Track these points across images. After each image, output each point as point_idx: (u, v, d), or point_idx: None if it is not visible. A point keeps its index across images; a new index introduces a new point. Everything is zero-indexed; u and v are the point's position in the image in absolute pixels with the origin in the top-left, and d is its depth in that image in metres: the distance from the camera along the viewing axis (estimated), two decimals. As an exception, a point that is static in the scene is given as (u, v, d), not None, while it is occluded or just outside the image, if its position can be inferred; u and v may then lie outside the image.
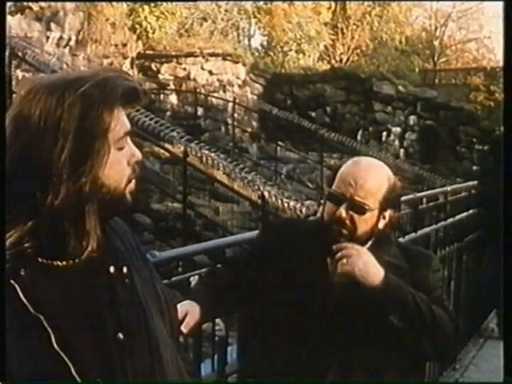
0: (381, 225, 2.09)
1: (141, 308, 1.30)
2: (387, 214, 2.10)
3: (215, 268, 2.53)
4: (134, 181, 1.30)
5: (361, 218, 2.02)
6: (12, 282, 1.16)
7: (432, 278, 2.15)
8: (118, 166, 1.25)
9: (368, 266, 1.98)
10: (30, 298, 1.16)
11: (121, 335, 1.24)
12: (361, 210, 2.02)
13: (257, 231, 2.61)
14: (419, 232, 4.74)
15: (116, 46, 15.29)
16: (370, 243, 2.11)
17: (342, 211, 2.01)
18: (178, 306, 1.60)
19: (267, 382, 2.16)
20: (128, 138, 1.28)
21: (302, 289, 2.06)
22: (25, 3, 13.01)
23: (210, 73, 17.37)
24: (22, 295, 1.16)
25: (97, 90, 1.22)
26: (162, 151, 11.65)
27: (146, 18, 16.51)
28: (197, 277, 2.54)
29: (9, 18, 12.21)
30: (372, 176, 2.05)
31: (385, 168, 2.12)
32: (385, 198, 2.05)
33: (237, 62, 17.98)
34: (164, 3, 17.11)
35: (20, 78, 11.57)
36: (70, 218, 1.21)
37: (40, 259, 1.21)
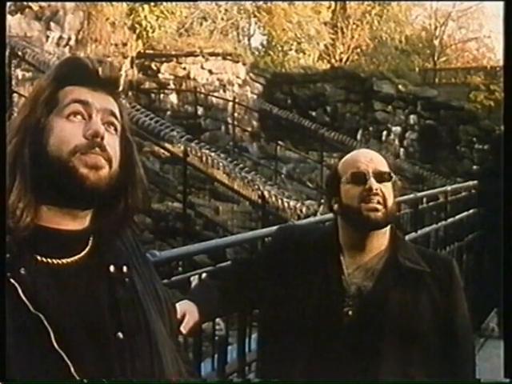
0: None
1: (140, 307, 1.30)
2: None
3: (224, 267, 2.53)
4: (98, 162, 1.24)
5: (387, 188, 2.07)
6: (12, 280, 1.16)
7: (455, 286, 2.16)
8: (61, 133, 1.23)
9: None
10: (30, 297, 1.16)
11: (120, 334, 1.24)
12: (387, 177, 2.08)
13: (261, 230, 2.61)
14: (419, 231, 4.75)
15: (116, 45, 15.28)
16: (386, 246, 2.12)
17: (373, 182, 2.05)
18: (177, 305, 1.60)
19: (269, 382, 2.16)
20: (96, 115, 1.26)
21: (315, 289, 2.07)
22: (25, 3, 13.01)
23: (210, 72, 17.36)
24: (21, 294, 1.15)
25: (50, 70, 1.31)
26: (162, 151, 11.65)
27: (145, 17, 16.49)
28: (197, 276, 2.54)
29: (9, 17, 12.21)
30: (378, 155, 2.16)
31: None
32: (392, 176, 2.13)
33: (237, 62, 17.97)
34: (164, 3, 17.10)
35: (20, 77, 11.57)
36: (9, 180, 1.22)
37: (39, 257, 1.21)
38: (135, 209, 1.32)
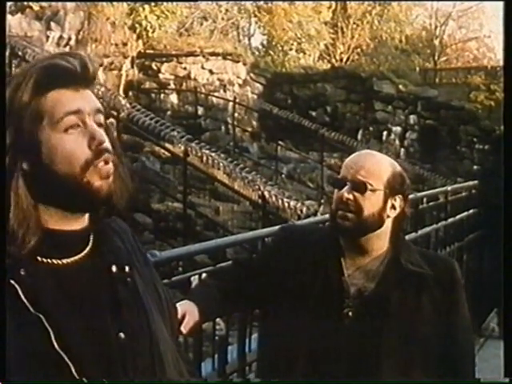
0: (391, 214, 2.08)
1: (142, 308, 1.29)
2: (397, 203, 2.09)
3: (224, 267, 2.53)
4: (109, 171, 1.23)
5: (364, 198, 2.03)
6: (12, 281, 1.15)
7: (457, 290, 2.15)
8: (65, 150, 1.21)
9: None
10: (31, 298, 1.15)
11: (122, 335, 1.23)
12: (362, 187, 2.02)
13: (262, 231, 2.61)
14: (420, 232, 4.75)
15: (116, 45, 15.28)
16: (387, 248, 2.10)
17: (345, 192, 2.03)
18: (177, 305, 1.60)
19: (269, 382, 2.16)
20: (89, 120, 1.23)
21: (315, 290, 2.06)
22: (25, 3, 13.01)
23: (211, 72, 17.36)
24: (22, 295, 1.15)
25: (19, 76, 1.24)
26: (163, 151, 11.66)
27: (146, 17, 16.49)
28: (197, 276, 2.54)
29: (9, 17, 12.21)
30: (373, 159, 2.09)
31: (388, 158, 2.15)
32: (389, 181, 2.06)
33: (237, 62, 17.98)
34: (164, 2, 17.10)
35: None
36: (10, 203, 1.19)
37: (39, 258, 1.21)
38: (122, 198, 1.30)
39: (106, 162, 1.23)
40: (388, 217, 2.08)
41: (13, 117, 1.21)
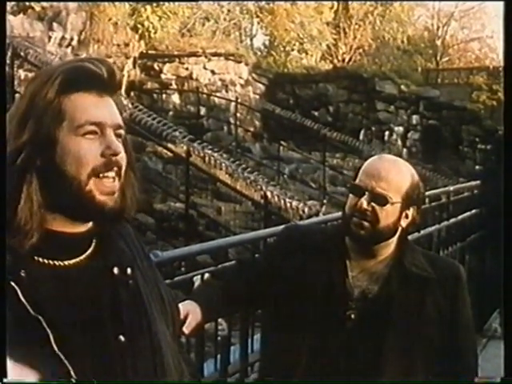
0: (403, 223, 2.08)
1: (143, 310, 1.29)
2: (410, 213, 2.08)
3: (227, 267, 2.53)
4: (114, 188, 1.24)
5: (383, 210, 2.01)
6: (12, 283, 1.15)
7: (461, 294, 2.15)
8: (79, 152, 1.21)
9: None
10: (30, 300, 1.15)
11: (122, 338, 1.23)
12: (382, 200, 2.00)
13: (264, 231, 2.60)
14: (422, 232, 4.74)
15: (118, 45, 15.29)
16: (392, 251, 2.10)
17: (364, 202, 2.00)
18: (179, 306, 1.60)
19: (269, 382, 2.16)
20: (109, 130, 1.24)
21: (318, 291, 2.05)
22: (27, 3, 13.02)
23: (213, 72, 17.37)
24: (21, 296, 1.15)
25: (46, 74, 1.25)
26: (165, 151, 11.67)
27: (148, 17, 16.50)
28: (199, 277, 2.54)
29: (11, 17, 12.22)
30: (395, 169, 2.07)
31: (409, 166, 2.14)
32: (408, 193, 2.05)
33: (239, 62, 17.98)
34: (166, 3, 17.11)
35: (22, 77, 11.59)
36: (12, 196, 1.19)
37: (40, 259, 1.21)
38: (128, 208, 1.31)
39: (113, 179, 1.24)
40: (400, 226, 2.08)
41: (35, 112, 1.21)
